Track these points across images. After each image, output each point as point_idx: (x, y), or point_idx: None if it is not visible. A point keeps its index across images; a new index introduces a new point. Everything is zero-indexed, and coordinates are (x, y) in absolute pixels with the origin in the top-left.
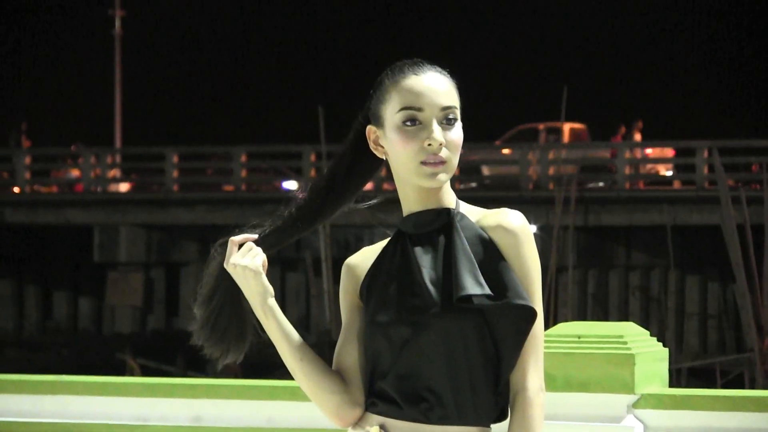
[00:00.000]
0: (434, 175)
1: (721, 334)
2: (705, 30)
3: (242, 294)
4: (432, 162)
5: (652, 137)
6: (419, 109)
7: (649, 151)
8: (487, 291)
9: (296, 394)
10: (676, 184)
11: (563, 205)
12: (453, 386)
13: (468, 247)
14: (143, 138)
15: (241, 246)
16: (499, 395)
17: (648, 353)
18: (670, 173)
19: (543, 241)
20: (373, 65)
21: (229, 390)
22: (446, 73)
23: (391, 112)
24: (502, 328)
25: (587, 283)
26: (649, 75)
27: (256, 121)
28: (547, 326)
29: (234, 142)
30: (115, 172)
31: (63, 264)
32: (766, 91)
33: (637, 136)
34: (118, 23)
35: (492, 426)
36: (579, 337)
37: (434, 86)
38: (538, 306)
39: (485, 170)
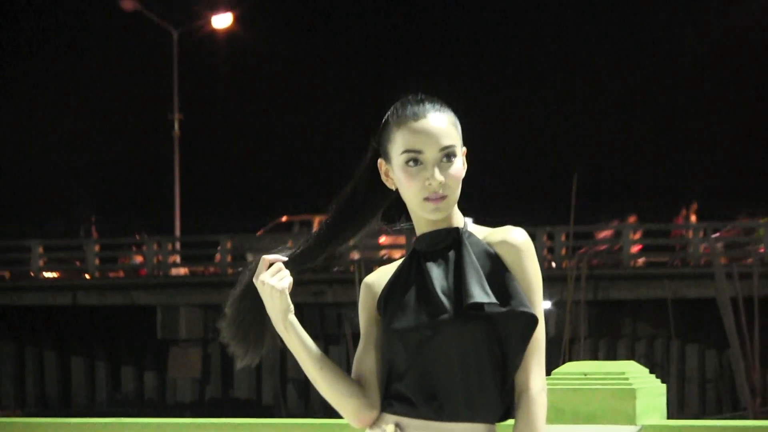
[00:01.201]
0: (436, 210)
1: (718, 396)
2: (693, 126)
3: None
4: (434, 198)
5: (649, 220)
6: (419, 152)
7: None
8: (493, 299)
9: None
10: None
11: (575, 282)
12: (463, 386)
13: (476, 261)
14: (200, 226)
15: (271, 265)
16: (504, 395)
17: (648, 388)
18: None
19: (557, 315)
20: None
21: (273, 428)
22: (446, 108)
23: (396, 152)
24: (507, 332)
25: (598, 352)
26: (642, 162)
27: (300, 204)
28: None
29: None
30: (174, 258)
31: (129, 341)
32: (757, 174)
33: (693, 218)
34: (176, 126)
35: (497, 424)
36: (585, 374)
37: (433, 128)
38: (540, 313)
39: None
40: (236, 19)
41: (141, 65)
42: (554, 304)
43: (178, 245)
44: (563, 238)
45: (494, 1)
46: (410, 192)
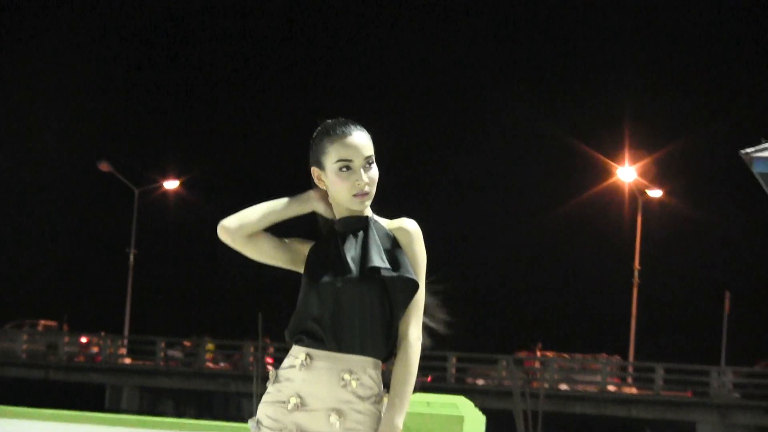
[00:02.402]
0: (362, 203)
1: None
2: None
3: None
4: (360, 194)
5: (469, 350)
6: (350, 161)
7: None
8: (387, 266)
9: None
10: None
11: None
12: (359, 329)
13: (378, 239)
14: (143, 329)
15: None
16: (389, 339)
17: (471, 417)
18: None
19: None
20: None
21: (195, 426)
22: (364, 129)
23: (330, 161)
24: (395, 292)
25: None
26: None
27: (219, 320)
28: None
29: (201, 334)
30: (122, 351)
31: (83, 410)
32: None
33: (538, 353)
34: (131, 258)
35: (382, 363)
36: (428, 403)
37: (359, 143)
38: (422, 282)
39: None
40: (182, 184)
41: (109, 211)
42: None
43: (125, 342)
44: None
45: None
46: (343, 190)
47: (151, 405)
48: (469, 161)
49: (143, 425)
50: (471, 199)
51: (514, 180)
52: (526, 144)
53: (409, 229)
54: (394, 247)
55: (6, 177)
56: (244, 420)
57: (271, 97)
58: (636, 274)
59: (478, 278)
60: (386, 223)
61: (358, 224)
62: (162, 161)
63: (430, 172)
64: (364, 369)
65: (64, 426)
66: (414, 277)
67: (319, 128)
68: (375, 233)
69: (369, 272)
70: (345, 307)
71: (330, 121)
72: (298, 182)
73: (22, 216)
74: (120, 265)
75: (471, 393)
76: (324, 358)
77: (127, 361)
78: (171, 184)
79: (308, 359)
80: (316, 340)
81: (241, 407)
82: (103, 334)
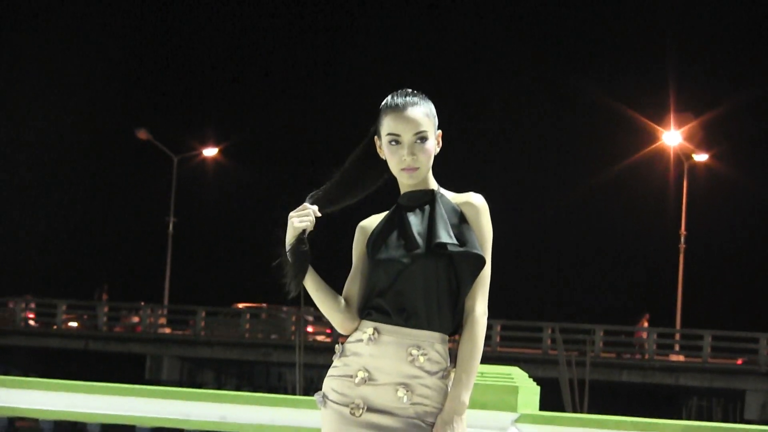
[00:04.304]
0: (410, 177)
1: None
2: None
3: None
4: (408, 169)
5: (522, 318)
6: (398, 135)
7: None
8: (454, 241)
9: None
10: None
11: None
12: (425, 304)
13: (444, 214)
14: (182, 299)
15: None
16: (456, 315)
17: (526, 387)
18: None
19: None
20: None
21: (245, 398)
22: (425, 101)
23: (384, 133)
24: (462, 268)
25: None
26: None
27: (257, 289)
28: None
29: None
30: (162, 320)
31: (123, 381)
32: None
33: (645, 323)
34: (171, 226)
35: (448, 337)
36: (482, 374)
37: (410, 117)
38: (488, 257)
39: None
40: (221, 151)
41: (148, 180)
42: None
43: (165, 311)
44: None
45: None
46: (392, 163)
47: (192, 375)
48: (514, 127)
49: (185, 397)
50: (515, 165)
51: (558, 146)
52: (570, 109)
53: (476, 203)
54: (461, 222)
55: (45, 145)
56: (287, 391)
57: (312, 64)
58: (682, 239)
59: (522, 245)
60: (452, 197)
61: (424, 198)
62: (201, 129)
63: (475, 141)
64: (431, 344)
65: (105, 398)
66: (481, 252)
67: (387, 97)
68: (442, 208)
69: (436, 248)
70: (412, 283)
71: (393, 93)
72: (338, 149)
73: (61, 184)
74: (159, 233)
75: (512, 360)
76: (391, 333)
77: (167, 330)
78: (210, 152)
79: (376, 333)
80: (383, 314)
81: (283, 377)
82: (142, 303)
